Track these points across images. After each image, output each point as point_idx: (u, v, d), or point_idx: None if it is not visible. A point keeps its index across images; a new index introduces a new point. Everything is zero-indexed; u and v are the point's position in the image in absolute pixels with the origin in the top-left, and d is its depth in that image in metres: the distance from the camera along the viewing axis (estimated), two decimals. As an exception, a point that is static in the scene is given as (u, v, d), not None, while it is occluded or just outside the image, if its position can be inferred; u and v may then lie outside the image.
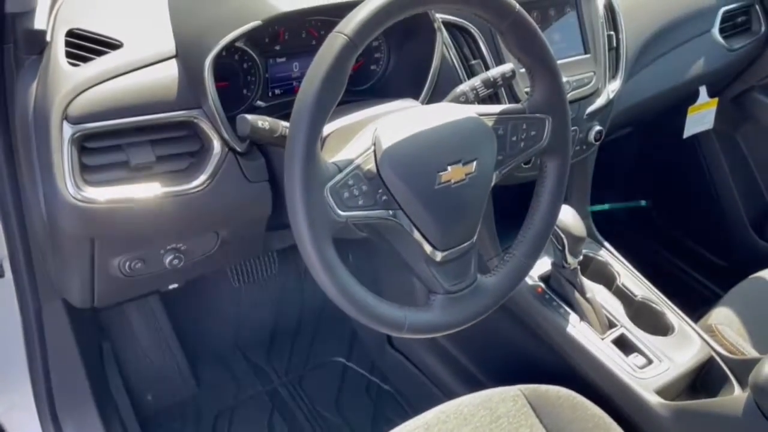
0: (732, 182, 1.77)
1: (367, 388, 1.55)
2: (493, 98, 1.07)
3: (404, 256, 0.80)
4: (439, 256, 0.79)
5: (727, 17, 1.53)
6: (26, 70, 0.83)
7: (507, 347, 1.27)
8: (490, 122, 0.83)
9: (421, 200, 0.75)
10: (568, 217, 1.13)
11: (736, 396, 0.95)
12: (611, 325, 1.15)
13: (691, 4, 1.46)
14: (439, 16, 1.00)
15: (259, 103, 0.99)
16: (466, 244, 0.81)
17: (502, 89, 1.05)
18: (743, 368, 1.09)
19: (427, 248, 0.78)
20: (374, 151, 0.75)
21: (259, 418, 1.47)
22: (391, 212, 0.75)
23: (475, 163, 0.79)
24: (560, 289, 1.16)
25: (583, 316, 1.14)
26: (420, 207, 0.76)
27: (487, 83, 0.91)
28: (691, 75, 1.50)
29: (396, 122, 0.78)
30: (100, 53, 0.81)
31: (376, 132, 0.76)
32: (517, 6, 0.79)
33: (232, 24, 0.82)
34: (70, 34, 0.82)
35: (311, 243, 0.69)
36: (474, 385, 1.29)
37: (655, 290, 1.24)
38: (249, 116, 0.75)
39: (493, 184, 0.83)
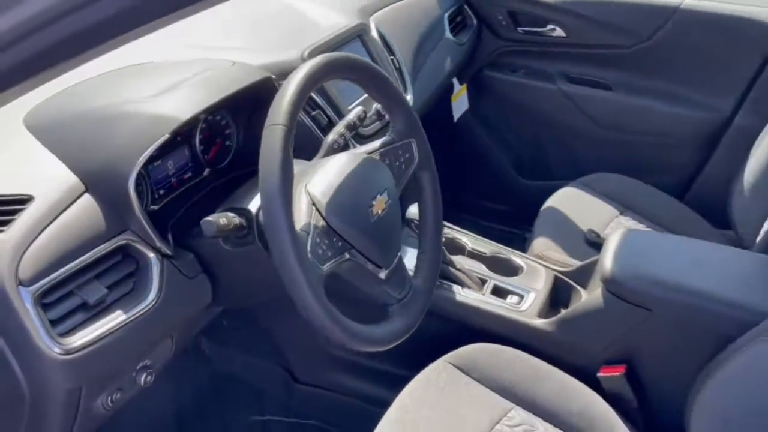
0: (494, 144, 2.19)
1: (291, 432, 1.63)
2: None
3: (362, 286, 0.94)
4: (384, 273, 0.95)
5: (451, 19, 1.91)
6: None
7: (413, 335, 1.45)
8: (377, 157, 1.00)
9: (367, 235, 0.91)
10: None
11: (596, 293, 1.27)
12: (483, 282, 1.42)
13: (428, 17, 1.79)
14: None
15: (152, 207, 1.02)
16: (398, 257, 0.98)
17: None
18: (579, 275, 1.43)
19: (377, 271, 0.94)
20: (316, 208, 0.88)
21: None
22: (347, 255, 0.89)
23: (386, 192, 0.96)
24: (442, 272, 1.39)
25: (462, 284, 1.39)
26: (366, 240, 0.91)
27: (350, 127, 1.08)
28: (445, 71, 1.84)
29: (319, 178, 0.91)
30: (15, 212, 0.80)
31: (307, 190, 0.89)
32: (370, 64, 0.97)
33: (140, 145, 0.87)
34: (-23, 204, 0.79)
35: (317, 305, 0.80)
36: (397, 382, 1.45)
37: (493, 243, 1.54)
38: (210, 218, 0.82)
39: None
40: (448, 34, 1.86)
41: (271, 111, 0.81)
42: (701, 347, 1.14)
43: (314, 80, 0.86)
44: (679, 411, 1.14)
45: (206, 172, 1.11)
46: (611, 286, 1.22)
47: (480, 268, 1.45)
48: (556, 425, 1.18)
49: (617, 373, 1.23)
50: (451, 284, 1.38)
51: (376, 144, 1.02)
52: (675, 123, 1.92)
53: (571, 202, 1.79)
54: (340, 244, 0.88)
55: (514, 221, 2.20)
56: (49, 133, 0.90)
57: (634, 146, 1.99)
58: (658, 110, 1.92)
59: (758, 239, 1.39)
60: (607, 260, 1.24)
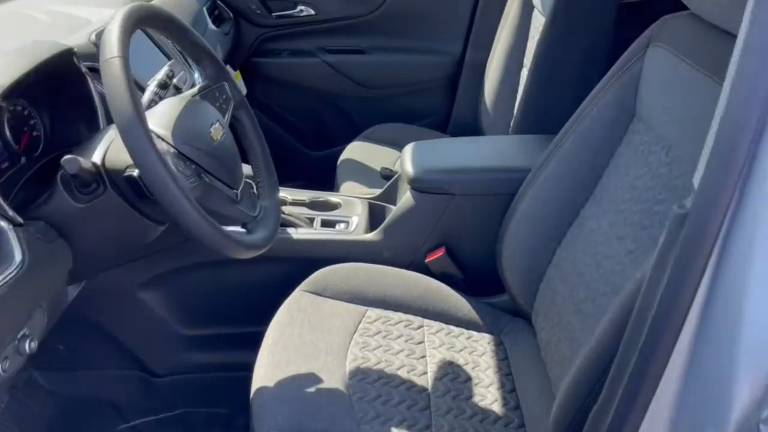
0: (276, 126, 2.34)
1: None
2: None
3: (221, 208, 1.03)
4: (236, 194, 1.05)
5: (210, 12, 2.02)
6: None
7: (260, 287, 1.53)
8: (200, 99, 1.10)
9: (214, 157, 1.00)
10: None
11: (406, 197, 1.49)
12: (311, 220, 1.56)
13: (190, 11, 1.88)
14: (85, 63, 1.17)
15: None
16: (244, 180, 1.09)
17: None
18: (387, 196, 1.65)
19: (230, 192, 1.03)
20: (163, 140, 0.95)
21: None
22: (205, 178, 0.98)
23: (218, 122, 1.06)
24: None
25: (294, 226, 1.52)
26: (215, 162, 1.00)
27: (162, 85, 1.16)
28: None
29: (155, 119, 0.98)
30: None
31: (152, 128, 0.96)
32: (177, 17, 1.07)
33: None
34: None
35: (198, 215, 0.87)
36: (256, 340, 1.49)
37: (309, 191, 1.70)
38: (70, 156, 0.85)
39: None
40: (211, 26, 1.97)
41: (102, 48, 0.87)
42: (495, 210, 1.42)
43: (134, 20, 0.93)
44: (492, 267, 1.40)
45: (23, 160, 1.10)
46: (416, 183, 1.45)
47: (305, 211, 1.60)
48: (405, 311, 1.38)
49: (440, 254, 1.47)
50: (285, 228, 1.50)
51: (194, 90, 1.11)
52: (421, 71, 2.26)
53: (360, 152, 2.03)
54: (193, 167, 0.96)
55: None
56: None
57: (395, 98, 2.30)
58: (406, 63, 2.25)
59: (510, 130, 1.74)
60: (407, 166, 1.47)
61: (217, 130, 1.04)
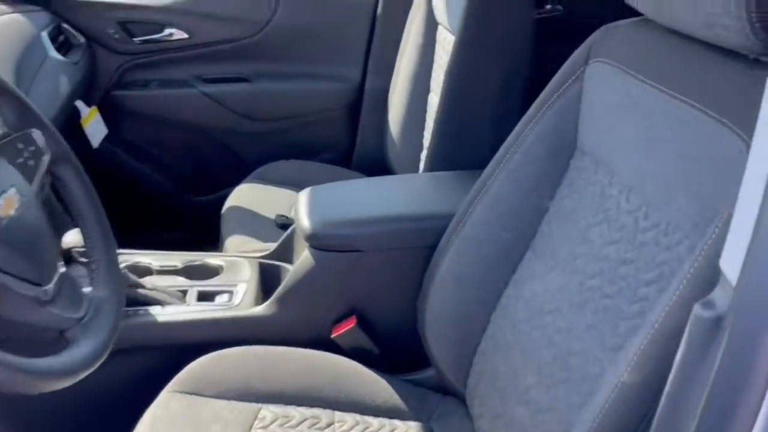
0: (149, 168, 1.99)
1: None
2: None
3: (19, 315, 0.70)
4: (46, 291, 0.72)
5: (54, 38, 1.66)
6: None
7: (115, 385, 1.19)
8: None
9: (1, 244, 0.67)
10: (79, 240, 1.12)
11: (304, 256, 1.19)
12: (184, 293, 1.24)
13: (22, 36, 1.52)
14: None
15: None
16: (59, 269, 0.76)
17: None
18: (282, 253, 1.36)
19: (34, 291, 0.71)
20: None
21: None
22: None
23: (14, 189, 0.73)
24: (132, 298, 1.16)
25: (161, 303, 1.19)
26: (2, 251, 0.67)
27: None
28: (63, 95, 1.59)
29: None
30: None
31: None
32: None
33: None
34: None
35: None
36: None
37: (182, 252, 1.37)
38: None
39: (41, 203, 0.78)
40: (53, 54, 1.61)
41: None
42: (413, 268, 1.16)
43: None
44: (413, 337, 1.14)
45: None
46: (315, 241, 1.17)
47: (176, 281, 1.27)
48: (310, 405, 1.08)
49: (350, 326, 1.19)
50: (147, 308, 1.17)
51: (-24, 144, 0.78)
52: (316, 100, 1.99)
53: (250, 196, 1.72)
54: None
55: (202, 245, 2.04)
56: None
57: (289, 131, 2.01)
58: (297, 91, 1.97)
59: (422, 165, 1.49)
60: (303, 219, 1.18)
61: (11, 201, 0.71)
